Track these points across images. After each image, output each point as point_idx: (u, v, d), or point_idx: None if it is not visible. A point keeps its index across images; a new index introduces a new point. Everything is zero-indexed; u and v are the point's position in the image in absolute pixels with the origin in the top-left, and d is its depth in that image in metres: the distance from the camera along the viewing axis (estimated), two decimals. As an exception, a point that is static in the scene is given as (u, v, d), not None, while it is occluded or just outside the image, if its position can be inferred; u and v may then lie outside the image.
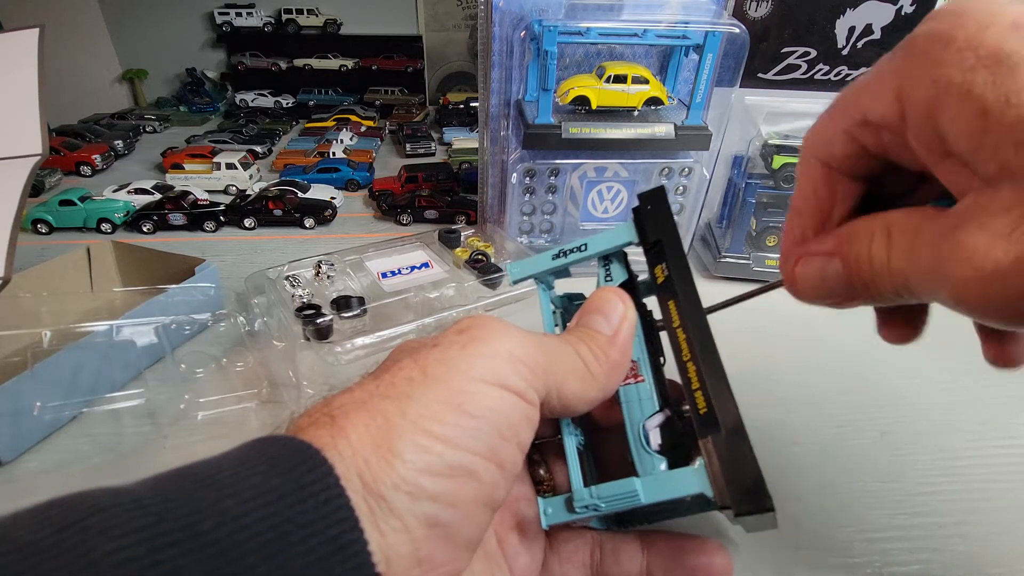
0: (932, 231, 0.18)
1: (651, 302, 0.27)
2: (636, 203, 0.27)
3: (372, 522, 0.16)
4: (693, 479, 0.21)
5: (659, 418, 0.24)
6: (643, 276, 0.27)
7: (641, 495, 0.22)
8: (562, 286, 0.30)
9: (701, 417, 0.22)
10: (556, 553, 0.26)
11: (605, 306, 0.24)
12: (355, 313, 0.48)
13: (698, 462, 0.21)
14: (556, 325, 0.29)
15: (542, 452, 0.28)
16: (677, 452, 0.23)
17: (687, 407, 0.23)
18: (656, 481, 0.22)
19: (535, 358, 0.21)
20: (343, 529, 0.15)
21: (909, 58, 0.18)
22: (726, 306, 0.26)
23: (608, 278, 0.27)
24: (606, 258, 0.28)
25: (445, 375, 0.19)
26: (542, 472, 0.27)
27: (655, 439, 0.23)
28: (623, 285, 0.27)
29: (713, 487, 0.21)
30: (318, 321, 0.46)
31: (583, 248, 0.27)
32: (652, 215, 0.26)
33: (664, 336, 0.25)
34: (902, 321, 0.25)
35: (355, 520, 0.16)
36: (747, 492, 0.20)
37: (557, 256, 0.28)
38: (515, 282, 0.29)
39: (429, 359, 0.20)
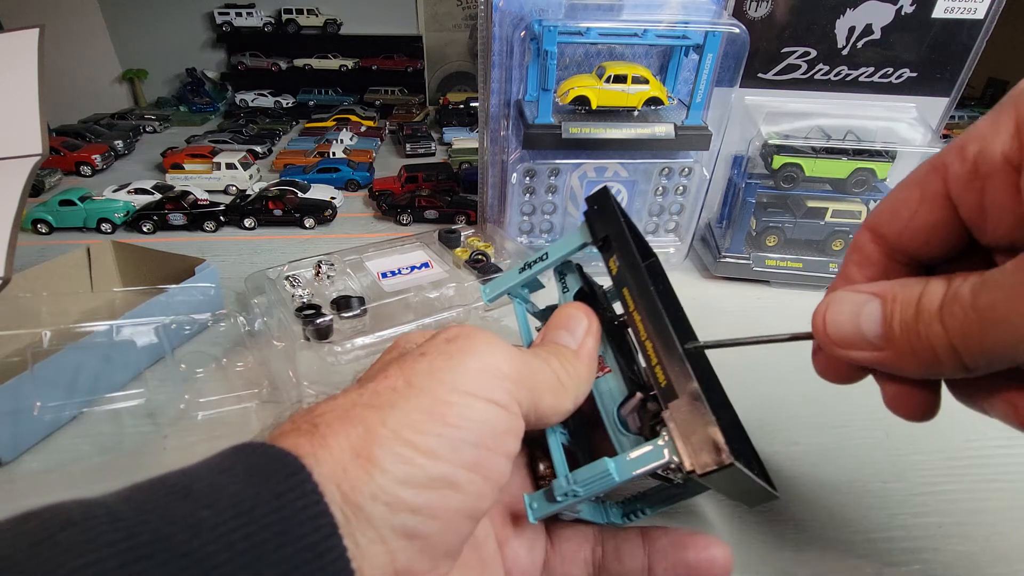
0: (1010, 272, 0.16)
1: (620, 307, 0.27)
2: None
3: (348, 532, 0.16)
4: (658, 449, 0.21)
5: (633, 402, 0.24)
6: (608, 284, 0.28)
7: (614, 474, 0.22)
8: (550, 296, 0.31)
9: (663, 389, 0.22)
10: (558, 552, 0.26)
11: (569, 322, 0.25)
12: (355, 313, 0.48)
13: (664, 433, 0.22)
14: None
15: (544, 449, 0.28)
16: (656, 431, 0.23)
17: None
18: (627, 458, 0.22)
19: (520, 373, 0.21)
20: (322, 536, 0.15)
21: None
22: (727, 346, 0.26)
23: (565, 289, 0.29)
24: (560, 271, 0.29)
25: (429, 386, 0.19)
26: (543, 468, 0.27)
27: (633, 422, 0.24)
28: (582, 295, 0.28)
29: (681, 455, 0.21)
30: (318, 321, 0.46)
31: (545, 257, 0.28)
32: (599, 214, 0.27)
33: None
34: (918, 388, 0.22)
35: (334, 526, 0.15)
36: (704, 450, 0.20)
37: (523, 269, 0.29)
38: (489, 302, 0.30)
39: (415, 369, 0.19)
